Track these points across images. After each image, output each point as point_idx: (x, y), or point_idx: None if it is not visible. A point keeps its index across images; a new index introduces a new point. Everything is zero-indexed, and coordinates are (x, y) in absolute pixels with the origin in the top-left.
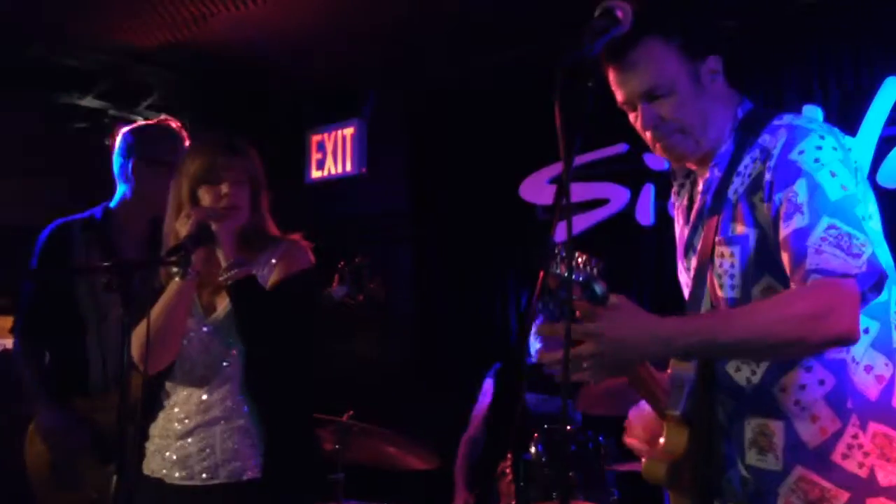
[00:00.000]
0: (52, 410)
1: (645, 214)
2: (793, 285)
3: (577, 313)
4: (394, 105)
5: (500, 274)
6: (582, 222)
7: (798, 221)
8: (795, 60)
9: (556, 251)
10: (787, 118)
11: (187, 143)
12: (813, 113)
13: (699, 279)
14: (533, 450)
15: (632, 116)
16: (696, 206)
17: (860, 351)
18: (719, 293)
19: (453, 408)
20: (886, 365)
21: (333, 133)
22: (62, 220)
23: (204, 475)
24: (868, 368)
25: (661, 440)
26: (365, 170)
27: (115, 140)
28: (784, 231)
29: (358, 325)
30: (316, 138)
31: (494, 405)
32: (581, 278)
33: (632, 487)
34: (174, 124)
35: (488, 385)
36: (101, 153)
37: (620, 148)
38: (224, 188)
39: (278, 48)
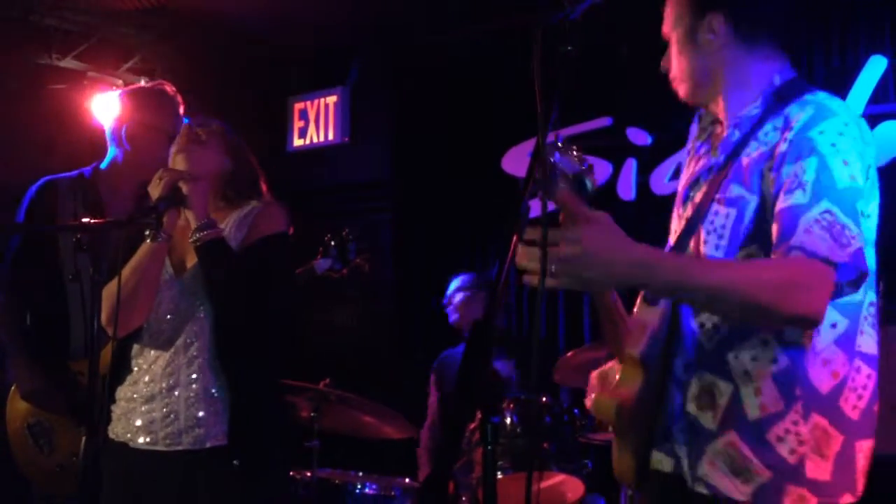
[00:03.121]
0: (27, 369)
1: (627, 189)
2: (774, 256)
3: (561, 216)
4: (378, 74)
5: (482, 245)
6: None
7: (797, 198)
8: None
9: (555, 145)
10: (821, 95)
11: (182, 108)
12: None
13: (688, 230)
14: (508, 420)
15: None
16: (705, 160)
17: (823, 344)
18: (703, 249)
19: (430, 378)
20: (844, 364)
21: (316, 101)
22: (50, 177)
23: (168, 441)
24: (826, 362)
25: (616, 377)
26: (348, 139)
27: (94, 102)
28: (781, 203)
29: (337, 294)
30: (298, 106)
31: (460, 374)
32: (574, 170)
33: (605, 458)
34: (169, 89)
35: (433, 379)
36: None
37: (603, 122)
38: (184, 155)
39: (261, 14)
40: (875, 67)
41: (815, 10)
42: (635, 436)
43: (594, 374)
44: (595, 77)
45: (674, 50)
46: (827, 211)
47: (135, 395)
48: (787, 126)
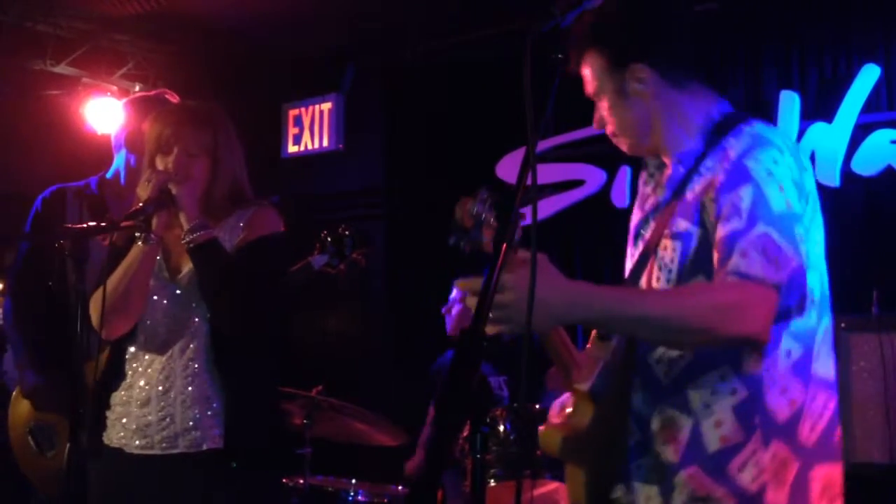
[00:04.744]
0: (35, 373)
1: (620, 196)
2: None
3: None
4: (372, 81)
5: (475, 253)
6: (557, 203)
7: (734, 224)
8: (775, 46)
9: (479, 197)
10: (758, 126)
11: None
12: (790, 100)
13: (639, 267)
14: (501, 428)
15: None
16: (653, 198)
17: (780, 372)
18: (655, 284)
19: (423, 386)
20: (801, 391)
21: (311, 108)
22: (58, 185)
23: (163, 444)
24: (783, 390)
25: (567, 411)
26: (342, 145)
27: (88, 107)
28: (720, 231)
29: (330, 301)
30: (293, 113)
31: (449, 384)
32: (490, 220)
33: None
34: (171, 97)
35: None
36: (75, 120)
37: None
38: (170, 158)
39: (256, 21)
40: (868, 76)
41: (795, 24)
42: (589, 467)
43: (555, 404)
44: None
45: (606, 110)
46: (763, 234)
47: (129, 400)
48: (724, 157)
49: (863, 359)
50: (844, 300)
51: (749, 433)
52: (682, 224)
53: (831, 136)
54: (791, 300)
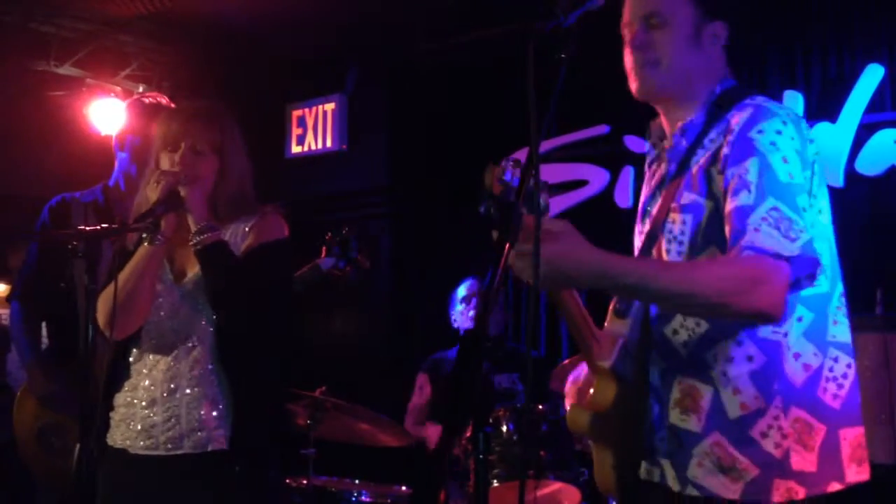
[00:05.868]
0: (42, 375)
1: (624, 196)
2: (728, 256)
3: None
4: (375, 81)
5: (479, 252)
6: (560, 203)
7: (744, 198)
8: (779, 46)
9: (507, 165)
10: (760, 99)
11: None
12: (794, 100)
13: (648, 243)
14: (504, 428)
15: (626, 33)
16: (658, 173)
17: (793, 338)
18: (665, 258)
19: (418, 378)
20: (815, 355)
21: (315, 108)
22: (62, 195)
23: (169, 445)
24: (797, 356)
25: (591, 391)
26: (346, 146)
27: (92, 109)
28: (729, 205)
29: (335, 302)
30: (297, 113)
31: (454, 380)
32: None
33: None
34: (165, 101)
35: (423, 380)
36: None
37: (601, 129)
38: (177, 155)
39: (259, 21)
40: (872, 76)
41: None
42: (615, 447)
43: (569, 381)
44: (592, 84)
45: (667, 39)
46: (773, 208)
47: (134, 401)
48: (728, 129)
49: (867, 358)
50: (848, 300)
51: (769, 399)
52: (690, 196)
53: (835, 137)
54: (803, 270)
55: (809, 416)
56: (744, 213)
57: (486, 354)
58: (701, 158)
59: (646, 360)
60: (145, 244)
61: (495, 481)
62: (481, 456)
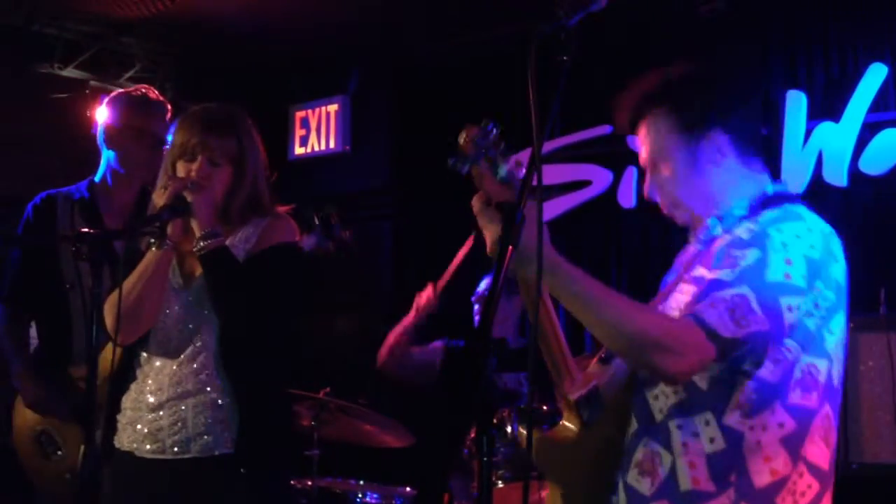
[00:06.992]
0: (29, 379)
1: (627, 197)
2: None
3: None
4: (378, 82)
5: (481, 254)
6: (564, 204)
7: (724, 275)
8: (782, 46)
9: (490, 129)
10: (800, 206)
11: (169, 114)
12: (797, 100)
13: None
14: (508, 429)
15: None
16: (685, 252)
17: (766, 440)
18: None
19: (429, 387)
20: (786, 465)
21: (318, 110)
22: (47, 192)
23: (175, 449)
24: (767, 458)
25: (561, 423)
26: (349, 147)
27: (96, 111)
28: (709, 274)
29: (337, 303)
30: (300, 114)
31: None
32: (489, 153)
33: None
34: (153, 94)
35: (438, 345)
36: (82, 123)
37: (603, 129)
38: (195, 166)
39: (263, 22)
40: (875, 75)
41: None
42: (568, 489)
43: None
44: (595, 84)
45: (670, 179)
46: (741, 295)
47: (141, 404)
48: (756, 222)
49: (871, 359)
50: (852, 300)
51: (721, 488)
52: (700, 271)
53: (838, 136)
54: (744, 361)
55: None
56: (714, 286)
57: (494, 353)
58: (723, 239)
59: (616, 414)
60: (153, 249)
61: (500, 482)
62: (486, 457)
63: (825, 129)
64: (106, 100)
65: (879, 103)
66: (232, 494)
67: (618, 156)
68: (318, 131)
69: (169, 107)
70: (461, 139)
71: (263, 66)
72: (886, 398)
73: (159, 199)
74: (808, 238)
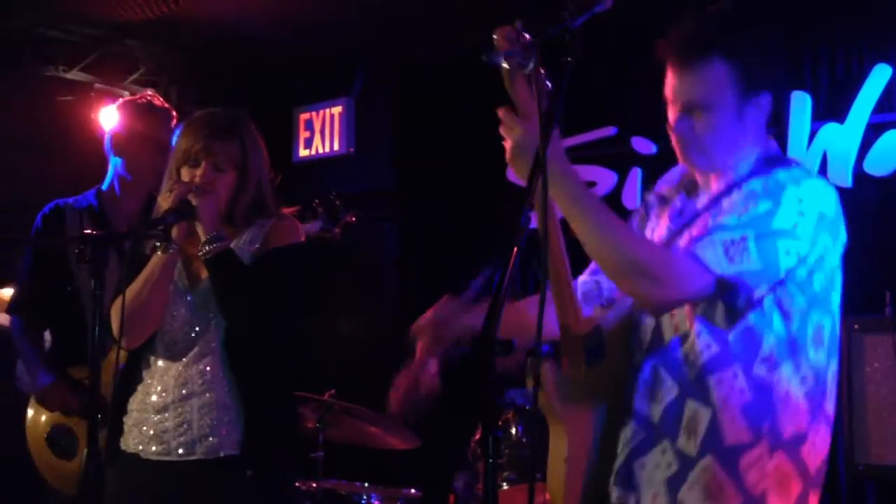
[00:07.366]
0: (47, 376)
1: (632, 198)
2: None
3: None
4: (382, 84)
5: (486, 255)
6: None
7: (729, 219)
8: (786, 46)
9: (518, 27)
10: (803, 166)
11: (174, 120)
12: (801, 101)
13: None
14: (513, 430)
15: (669, 109)
16: (686, 211)
17: (793, 392)
18: None
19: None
20: (807, 420)
21: (322, 112)
22: (57, 201)
23: (181, 450)
24: (795, 412)
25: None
26: (353, 149)
27: (101, 114)
28: (719, 218)
29: (342, 305)
30: (304, 116)
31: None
32: (517, 51)
33: None
34: (158, 101)
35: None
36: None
37: (608, 131)
38: (199, 172)
39: (267, 24)
40: (880, 76)
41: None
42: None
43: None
44: (600, 86)
45: (709, 125)
46: (743, 238)
47: (146, 405)
48: (770, 177)
49: (876, 360)
50: (858, 301)
51: (757, 437)
52: (711, 222)
53: (843, 137)
54: (737, 298)
55: (792, 469)
56: (718, 228)
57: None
58: (735, 196)
59: (618, 348)
60: (158, 253)
61: (505, 484)
62: (491, 459)
63: (830, 130)
64: (112, 107)
65: (884, 104)
66: (237, 496)
67: (622, 157)
68: (322, 133)
69: (174, 113)
70: (495, 36)
71: (267, 69)
72: (892, 399)
73: (164, 202)
74: (826, 194)
